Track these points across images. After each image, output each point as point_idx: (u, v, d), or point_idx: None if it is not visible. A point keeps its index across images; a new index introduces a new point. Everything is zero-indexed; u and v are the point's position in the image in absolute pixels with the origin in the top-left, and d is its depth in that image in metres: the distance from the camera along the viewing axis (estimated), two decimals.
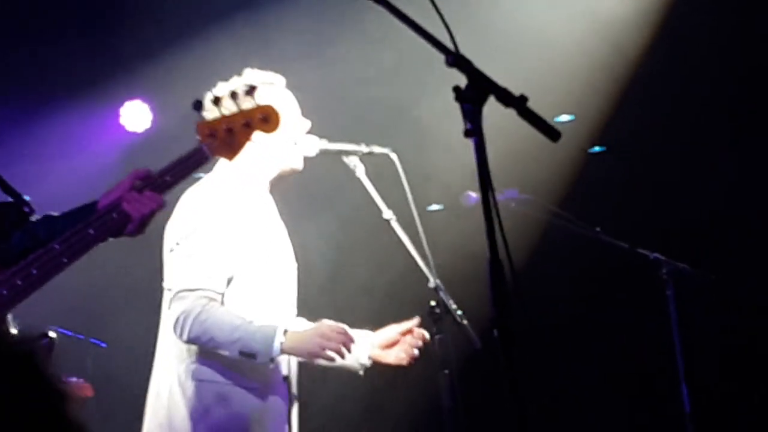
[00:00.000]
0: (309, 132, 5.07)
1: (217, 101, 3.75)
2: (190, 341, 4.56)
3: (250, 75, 4.83)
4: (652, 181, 7.49)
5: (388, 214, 5.06)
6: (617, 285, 7.48)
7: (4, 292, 3.43)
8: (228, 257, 4.61)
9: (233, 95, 3.76)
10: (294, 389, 4.86)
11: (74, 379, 5.35)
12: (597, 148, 7.51)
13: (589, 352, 7.74)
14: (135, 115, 7.76)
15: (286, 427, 4.81)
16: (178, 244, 4.65)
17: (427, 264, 5.07)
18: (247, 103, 3.79)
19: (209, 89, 4.78)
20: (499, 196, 6.45)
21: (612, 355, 7.70)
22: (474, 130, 3.08)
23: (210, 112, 3.84)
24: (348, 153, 5.16)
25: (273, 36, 6.65)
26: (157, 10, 7.15)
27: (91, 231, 3.57)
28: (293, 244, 4.96)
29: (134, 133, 7.80)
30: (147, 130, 7.80)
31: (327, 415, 5.14)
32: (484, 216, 3.01)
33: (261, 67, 4.93)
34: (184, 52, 7.19)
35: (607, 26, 7.35)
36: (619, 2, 7.33)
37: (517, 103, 3.04)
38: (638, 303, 7.29)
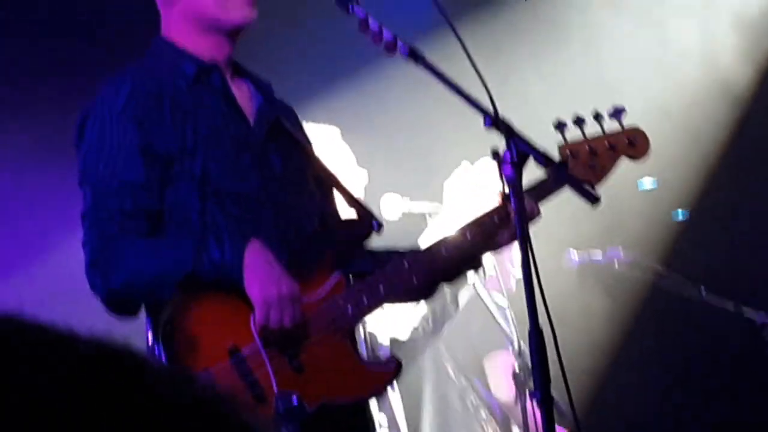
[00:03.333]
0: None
1: (578, 122, 3.47)
2: None
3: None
4: (751, 241, 7.32)
5: (473, 278, 5.03)
6: (721, 345, 7.28)
7: (349, 308, 3.34)
8: None
9: (597, 117, 3.51)
10: None
11: None
12: (681, 212, 7.34)
13: (692, 414, 7.54)
14: None
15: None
16: None
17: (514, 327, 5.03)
18: (612, 126, 3.55)
19: None
20: (602, 257, 6.43)
21: (715, 418, 7.48)
22: (513, 193, 3.03)
23: None
24: (432, 214, 5.11)
25: (362, 95, 6.68)
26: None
27: (468, 236, 3.44)
28: None
29: None
30: None
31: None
32: (524, 281, 2.93)
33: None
34: None
35: (696, 88, 7.25)
36: (705, 66, 7.24)
37: (556, 166, 2.99)
38: (743, 364, 7.10)
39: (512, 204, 3.00)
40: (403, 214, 5.08)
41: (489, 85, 3.09)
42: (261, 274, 3.18)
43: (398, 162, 6.41)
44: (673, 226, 7.34)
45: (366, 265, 3.50)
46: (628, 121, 3.51)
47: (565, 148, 3.49)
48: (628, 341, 7.37)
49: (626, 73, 7.19)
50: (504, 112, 3.11)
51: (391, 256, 3.52)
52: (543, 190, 3.47)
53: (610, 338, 7.36)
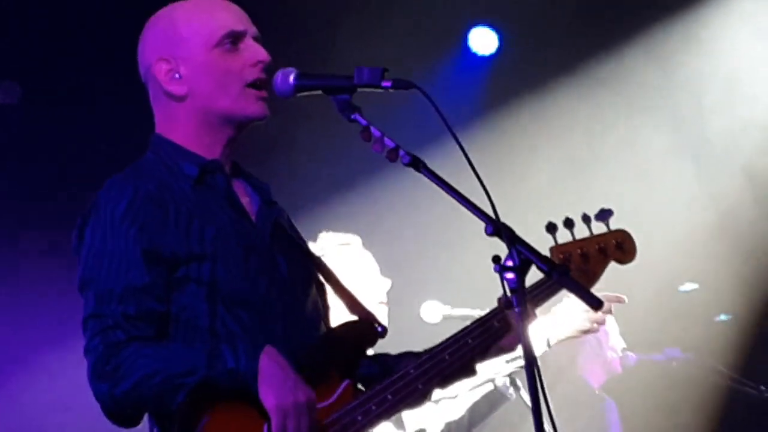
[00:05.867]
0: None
1: (568, 224, 3.57)
2: None
3: (325, 238, 4.81)
4: None
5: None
6: None
7: (359, 417, 3.30)
8: None
9: (585, 218, 3.60)
10: None
11: None
12: (724, 316, 7.24)
13: None
14: (482, 40, 8.04)
15: None
16: None
17: None
18: (599, 228, 3.66)
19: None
20: (660, 356, 6.34)
21: None
22: (516, 301, 2.96)
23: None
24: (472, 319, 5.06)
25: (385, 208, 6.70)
26: None
27: (470, 341, 3.47)
28: None
29: (482, 57, 8.07)
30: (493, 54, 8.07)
31: None
32: (530, 393, 2.86)
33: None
34: None
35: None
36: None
37: (559, 271, 2.92)
38: None
39: (515, 311, 2.95)
40: (444, 317, 5.03)
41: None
42: (277, 381, 3.14)
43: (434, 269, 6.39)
44: (716, 327, 7.25)
45: (372, 369, 3.49)
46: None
47: (557, 249, 3.57)
48: None
49: (666, 176, 7.18)
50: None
51: (394, 359, 3.52)
52: (542, 294, 3.51)
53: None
